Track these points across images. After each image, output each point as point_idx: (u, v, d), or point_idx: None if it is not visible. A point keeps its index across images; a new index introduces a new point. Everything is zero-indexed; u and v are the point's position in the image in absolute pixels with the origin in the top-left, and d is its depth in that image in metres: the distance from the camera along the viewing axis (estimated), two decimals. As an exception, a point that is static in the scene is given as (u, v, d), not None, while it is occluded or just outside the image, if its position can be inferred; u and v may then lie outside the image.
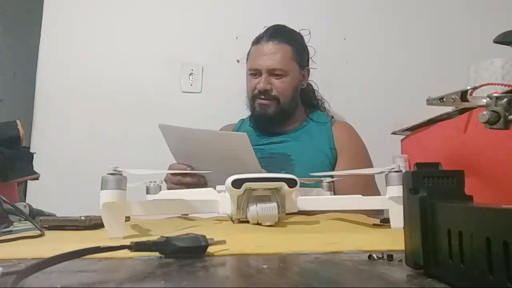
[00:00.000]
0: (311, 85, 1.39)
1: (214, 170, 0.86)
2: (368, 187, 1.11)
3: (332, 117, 1.31)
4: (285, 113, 1.24)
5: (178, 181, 0.98)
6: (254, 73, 1.23)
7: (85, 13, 1.61)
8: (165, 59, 1.60)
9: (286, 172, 1.08)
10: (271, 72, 1.20)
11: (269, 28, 1.27)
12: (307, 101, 1.36)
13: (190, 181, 0.96)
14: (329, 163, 1.17)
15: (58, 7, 1.60)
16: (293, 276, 0.32)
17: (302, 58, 1.27)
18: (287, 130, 1.25)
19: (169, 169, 1.00)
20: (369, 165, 1.16)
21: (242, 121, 1.37)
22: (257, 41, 1.26)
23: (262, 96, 1.21)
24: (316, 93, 1.41)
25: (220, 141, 0.91)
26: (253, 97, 1.24)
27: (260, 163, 1.16)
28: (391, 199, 0.57)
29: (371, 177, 1.15)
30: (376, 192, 1.14)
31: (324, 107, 1.42)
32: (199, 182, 0.96)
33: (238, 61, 1.56)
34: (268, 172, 1.08)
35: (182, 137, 0.94)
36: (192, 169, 0.95)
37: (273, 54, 1.21)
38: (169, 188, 0.98)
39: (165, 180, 0.99)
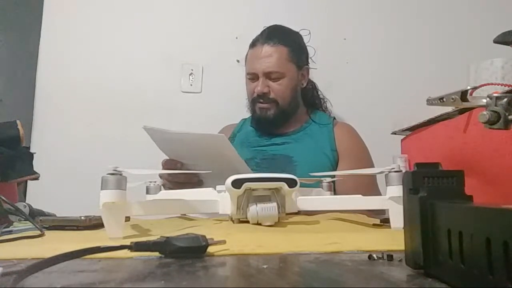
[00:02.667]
0: (313, 83, 1.38)
1: (202, 167, 0.87)
2: (370, 188, 1.11)
3: (334, 118, 1.31)
4: (286, 115, 1.23)
5: (172, 179, 0.98)
6: (252, 77, 1.23)
7: (85, 13, 1.61)
8: (165, 59, 1.60)
9: (287, 174, 1.08)
10: (268, 75, 1.20)
11: (264, 30, 1.26)
12: (309, 100, 1.35)
13: (182, 179, 0.96)
14: (331, 164, 1.17)
15: (58, 7, 1.60)
16: (293, 276, 0.32)
17: (299, 58, 1.26)
18: (289, 131, 1.25)
19: (162, 165, 0.99)
20: (371, 167, 1.16)
21: (244, 120, 1.37)
22: (253, 44, 1.25)
23: (261, 100, 1.21)
24: (318, 92, 1.39)
25: (200, 142, 0.91)
26: (253, 100, 1.24)
27: (262, 165, 1.17)
28: (391, 199, 0.57)
29: (373, 180, 1.14)
30: (378, 195, 1.14)
31: (326, 106, 1.40)
32: (192, 180, 0.96)
33: (238, 61, 1.56)
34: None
35: (165, 139, 0.94)
36: (183, 165, 0.95)
37: (269, 57, 1.20)
38: (163, 185, 0.98)
39: (160, 176, 0.99)
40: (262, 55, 1.20)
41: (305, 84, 1.30)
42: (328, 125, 1.24)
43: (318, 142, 1.20)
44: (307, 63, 1.31)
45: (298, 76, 1.26)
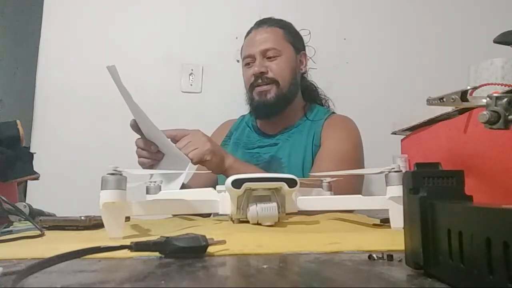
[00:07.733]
0: (313, 84, 1.37)
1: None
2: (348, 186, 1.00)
3: (333, 112, 1.26)
4: (286, 99, 1.18)
5: (138, 153, 0.96)
6: (248, 61, 1.21)
7: (85, 13, 1.61)
8: (165, 59, 1.60)
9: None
10: (264, 53, 1.18)
11: (257, 21, 1.28)
12: (310, 96, 1.30)
13: (145, 155, 0.95)
14: (311, 162, 1.12)
15: (58, 7, 1.60)
16: (293, 276, 0.32)
17: (296, 40, 1.24)
18: (281, 129, 1.21)
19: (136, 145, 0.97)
20: (350, 160, 1.10)
21: (243, 117, 1.36)
22: (247, 34, 1.26)
23: (259, 81, 1.17)
24: (318, 91, 1.36)
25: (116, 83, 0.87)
26: (251, 86, 1.19)
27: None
28: (391, 199, 0.57)
29: (354, 179, 1.07)
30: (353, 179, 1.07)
31: (328, 105, 1.36)
32: (157, 158, 0.95)
33: (238, 61, 1.56)
34: None
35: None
36: (136, 126, 0.93)
37: (265, 37, 1.19)
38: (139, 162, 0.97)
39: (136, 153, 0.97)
40: (258, 38, 1.20)
41: (305, 71, 1.28)
42: (319, 121, 1.18)
43: (305, 139, 1.16)
44: (304, 49, 1.29)
45: (296, 59, 1.22)
